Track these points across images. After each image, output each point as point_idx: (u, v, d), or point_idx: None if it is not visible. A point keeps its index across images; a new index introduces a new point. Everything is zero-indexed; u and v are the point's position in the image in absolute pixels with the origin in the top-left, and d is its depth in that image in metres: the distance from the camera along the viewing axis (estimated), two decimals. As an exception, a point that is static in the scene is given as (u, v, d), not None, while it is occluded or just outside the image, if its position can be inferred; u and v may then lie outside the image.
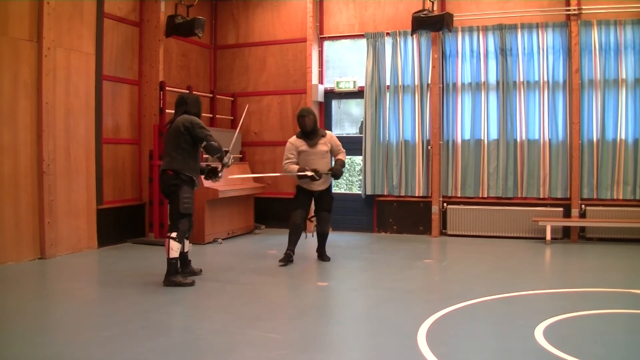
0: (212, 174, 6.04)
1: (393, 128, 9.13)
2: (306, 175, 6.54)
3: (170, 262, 5.62)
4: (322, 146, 6.70)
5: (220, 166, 5.98)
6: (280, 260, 6.68)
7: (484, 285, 5.74)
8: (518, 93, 8.57)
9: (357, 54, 9.54)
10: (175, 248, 5.58)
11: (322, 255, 7.01)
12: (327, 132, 6.94)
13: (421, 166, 8.99)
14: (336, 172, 6.72)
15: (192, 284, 5.64)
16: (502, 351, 3.86)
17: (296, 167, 6.64)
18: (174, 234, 5.60)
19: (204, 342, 4.01)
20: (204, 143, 5.65)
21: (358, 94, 9.42)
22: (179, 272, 5.71)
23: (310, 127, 6.67)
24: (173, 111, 5.68)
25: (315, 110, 9.53)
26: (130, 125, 8.37)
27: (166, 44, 8.70)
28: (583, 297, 5.33)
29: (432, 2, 8.38)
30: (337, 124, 9.88)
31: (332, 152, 6.86)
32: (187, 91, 8.55)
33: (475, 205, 8.81)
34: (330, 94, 9.66)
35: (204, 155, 6.25)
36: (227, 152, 5.90)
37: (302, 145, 6.69)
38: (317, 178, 6.56)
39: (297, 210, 6.72)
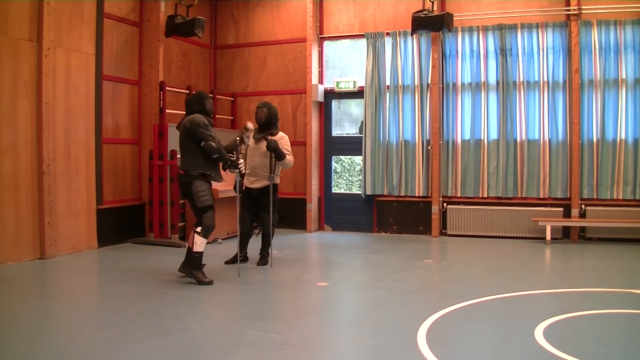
0: (232, 166, 5.94)
1: (393, 128, 9.12)
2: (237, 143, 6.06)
3: (194, 255, 5.68)
4: (264, 145, 6.34)
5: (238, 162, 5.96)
6: (225, 262, 6.72)
7: (484, 285, 5.75)
8: (518, 93, 8.57)
9: (357, 54, 9.53)
10: (199, 242, 5.64)
11: (261, 258, 6.70)
12: (281, 134, 6.52)
13: (421, 166, 8.99)
14: (270, 143, 6.24)
15: (210, 283, 5.65)
16: (502, 351, 3.86)
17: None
18: (198, 229, 5.66)
19: (204, 342, 4.01)
20: (202, 143, 5.68)
21: (358, 94, 9.42)
22: (201, 268, 5.74)
23: (261, 121, 6.47)
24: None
25: (316, 110, 9.55)
26: (130, 125, 8.36)
27: (166, 44, 8.70)
28: (583, 297, 5.33)
29: (432, 2, 8.37)
30: (337, 124, 9.87)
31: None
32: (187, 91, 8.58)
33: (475, 205, 8.81)
34: (330, 94, 9.65)
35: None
36: (232, 161, 5.88)
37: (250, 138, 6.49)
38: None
39: (241, 210, 6.55)
